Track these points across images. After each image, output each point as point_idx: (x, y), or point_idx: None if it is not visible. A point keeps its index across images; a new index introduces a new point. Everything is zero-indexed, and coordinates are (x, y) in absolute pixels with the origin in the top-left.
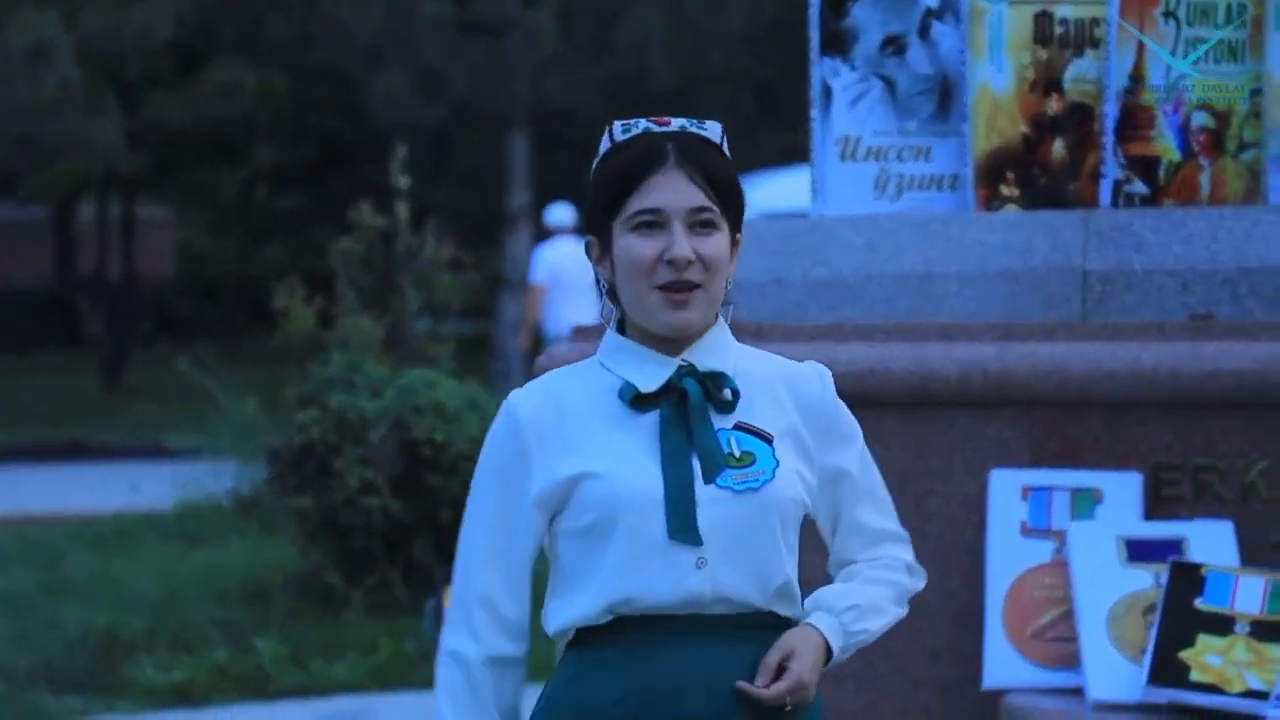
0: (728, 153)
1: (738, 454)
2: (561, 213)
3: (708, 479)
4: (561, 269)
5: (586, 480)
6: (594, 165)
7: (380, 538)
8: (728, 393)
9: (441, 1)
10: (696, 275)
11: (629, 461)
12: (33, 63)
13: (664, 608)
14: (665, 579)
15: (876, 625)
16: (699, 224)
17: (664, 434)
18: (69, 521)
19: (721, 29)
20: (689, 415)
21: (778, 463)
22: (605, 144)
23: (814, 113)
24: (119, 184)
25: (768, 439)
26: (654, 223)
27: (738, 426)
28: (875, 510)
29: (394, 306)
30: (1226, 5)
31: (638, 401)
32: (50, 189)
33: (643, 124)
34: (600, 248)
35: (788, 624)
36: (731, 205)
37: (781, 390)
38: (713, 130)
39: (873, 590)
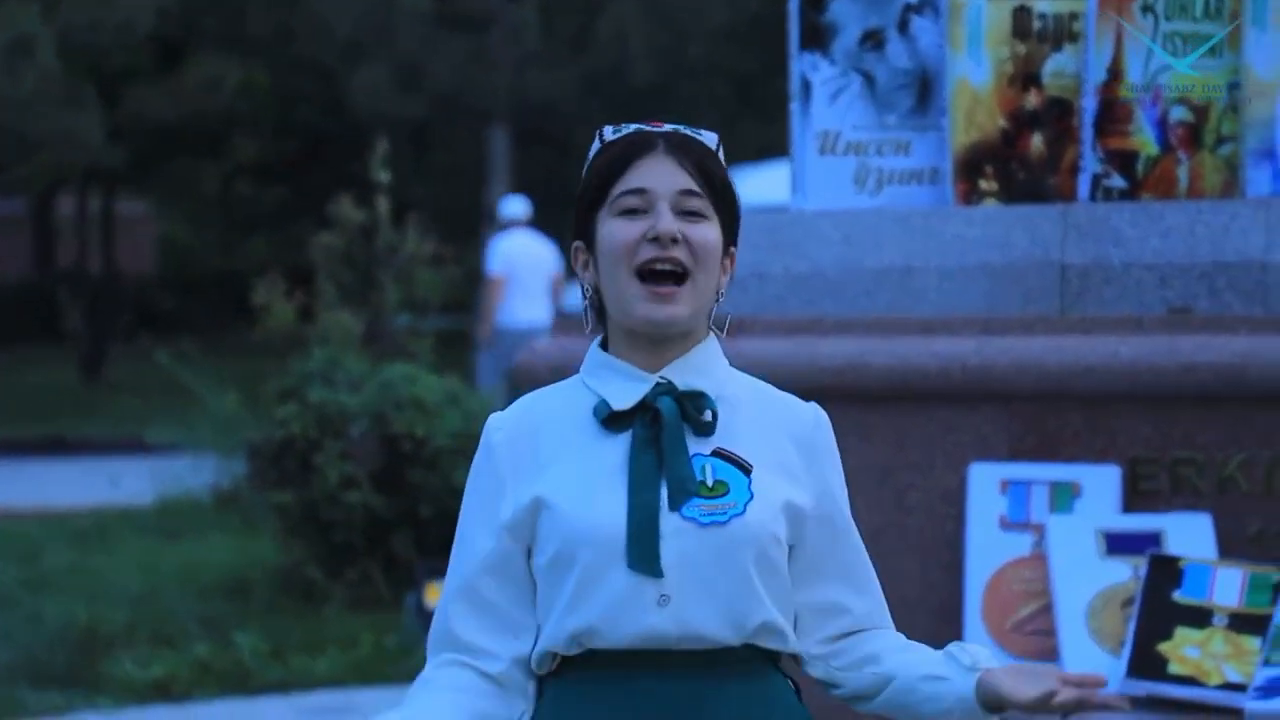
0: (723, 162)
1: (710, 483)
2: (516, 205)
3: (674, 506)
4: (516, 262)
5: (547, 508)
6: (583, 173)
7: (361, 532)
8: (708, 414)
9: None
10: (683, 256)
11: (593, 486)
12: (13, 56)
13: (627, 644)
14: (625, 615)
15: None
16: (688, 212)
17: (633, 456)
18: (49, 516)
19: (701, 24)
20: (661, 436)
21: (752, 496)
22: (594, 147)
23: (794, 107)
24: (99, 178)
25: (746, 469)
26: (638, 208)
27: (716, 453)
28: (853, 559)
29: (374, 302)
30: (1205, 0)
31: (611, 421)
32: (30, 182)
33: (634, 125)
34: (585, 252)
35: (774, 657)
36: (725, 207)
37: (772, 420)
38: (708, 138)
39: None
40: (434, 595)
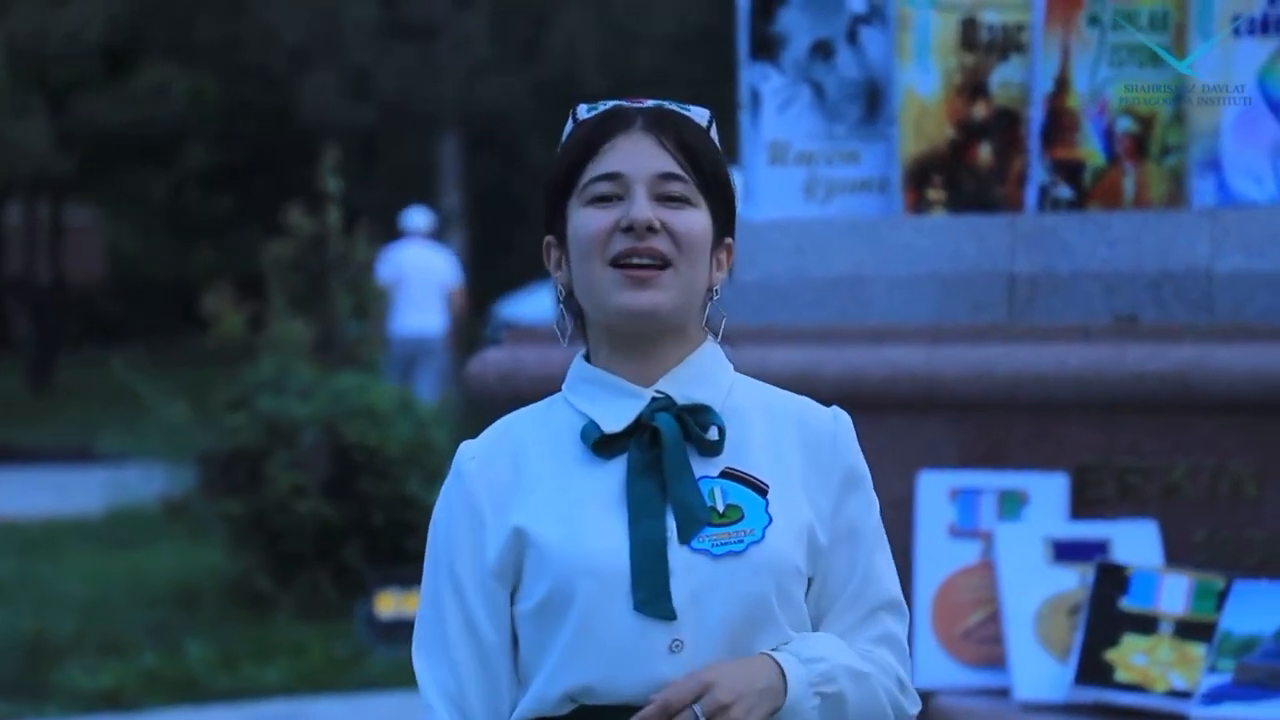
0: (715, 141)
1: (721, 508)
2: (417, 217)
3: (684, 539)
4: (405, 271)
5: (536, 546)
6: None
7: (311, 541)
8: (713, 431)
9: (370, 4)
10: (663, 246)
11: (588, 520)
12: None
13: (629, 698)
14: (631, 666)
15: (849, 685)
16: (669, 198)
17: (631, 484)
18: None
19: (651, 33)
20: (662, 460)
21: (770, 519)
22: (568, 128)
23: (743, 117)
24: (47, 186)
25: (761, 490)
26: (611, 194)
27: (725, 474)
28: (868, 602)
29: (325, 310)
30: (1150, 11)
31: (602, 445)
32: None
33: (611, 102)
34: (557, 247)
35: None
36: (715, 188)
37: (787, 430)
38: (697, 114)
39: (860, 662)
40: (384, 604)
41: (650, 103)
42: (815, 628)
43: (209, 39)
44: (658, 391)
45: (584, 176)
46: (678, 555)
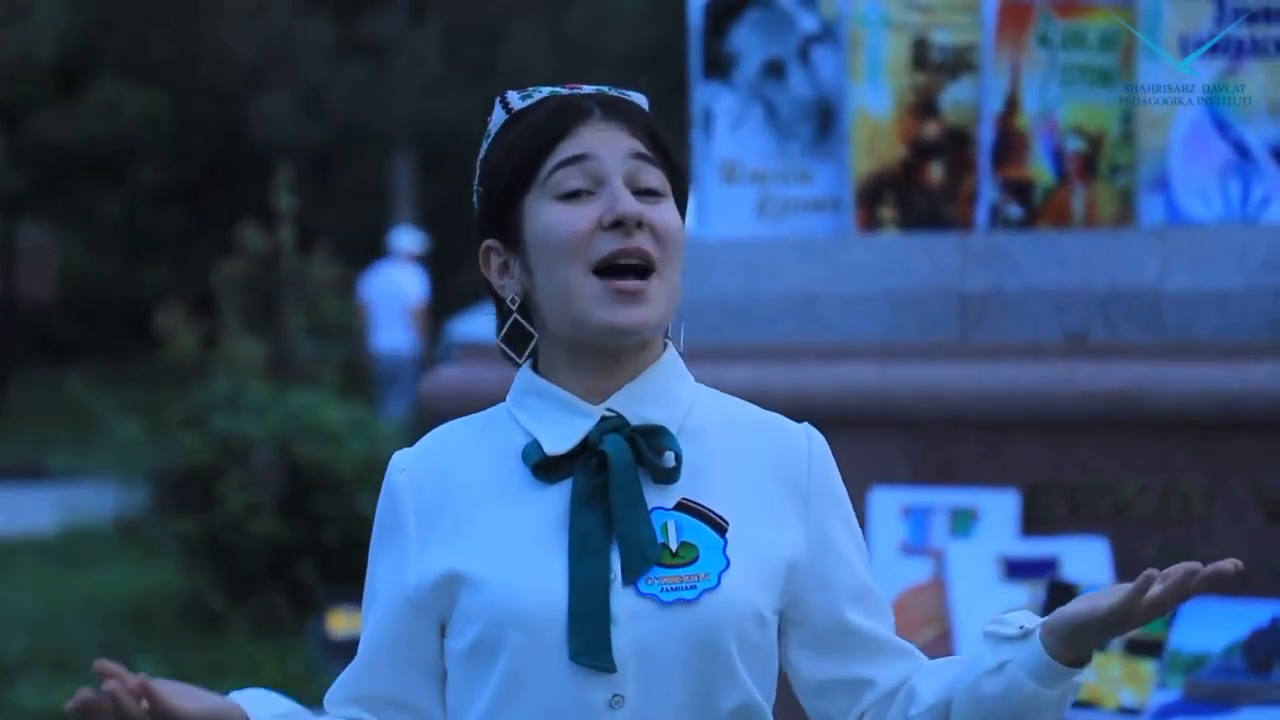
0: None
1: (675, 547)
2: (403, 238)
3: (629, 580)
4: (373, 291)
5: (466, 583)
6: (482, 154)
7: (264, 560)
8: (669, 457)
9: (323, 22)
10: (648, 246)
11: (524, 556)
12: None
13: None
14: None
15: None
16: (644, 190)
17: (574, 515)
18: None
19: (604, 51)
20: (610, 488)
21: (728, 563)
22: (498, 118)
23: (695, 136)
24: None
25: (720, 527)
26: (582, 189)
27: (681, 506)
28: (868, 615)
29: (279, 328)
30: (1100, 32)
31: (545, 468)
32: None
33: (548, 89)
34: (503, 251)
35: None
36: (679, 181)
37: (755, 449)
38: (639, 99)
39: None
40: (337, 622)
41: (589, 88)
42: (817, 667)
43: (162, 56)
44: (609, 409)
45: (544, 167)
46: (622, 599)
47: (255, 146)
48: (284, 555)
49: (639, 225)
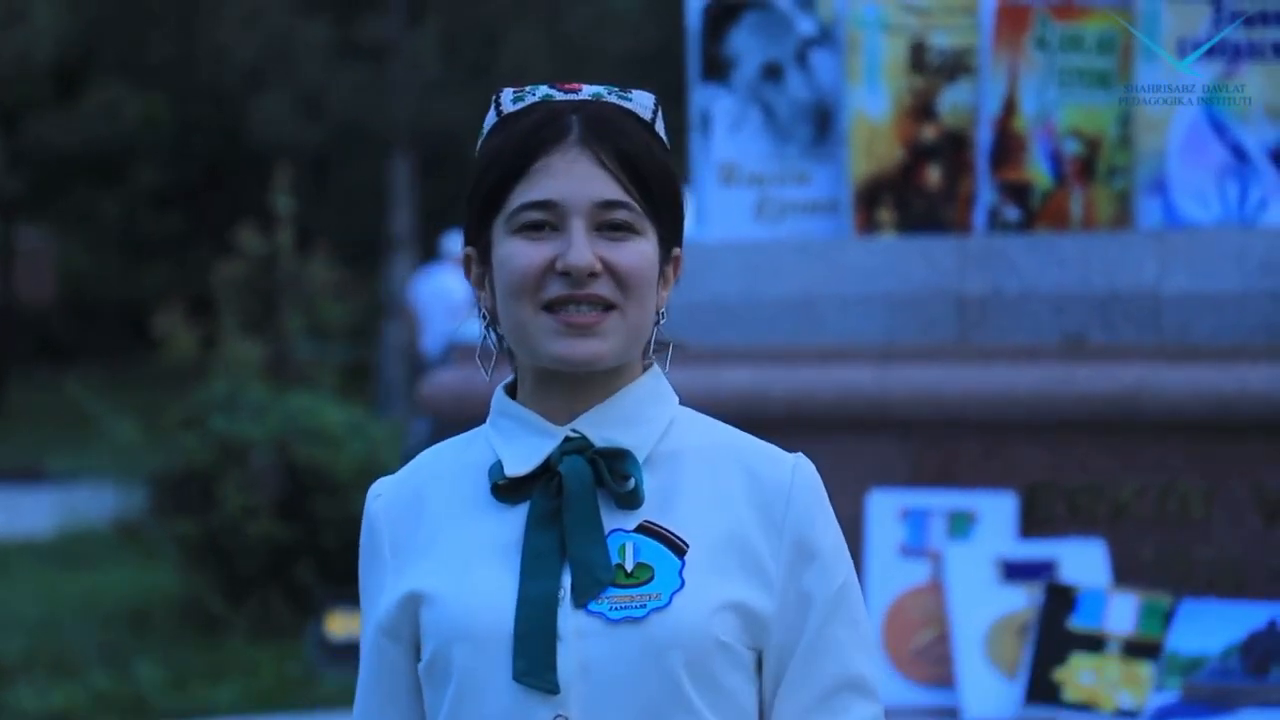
0: (662, 135)
1: (630, 567)
2: (454, 241)
3: (579, 601)
4: (420, 294)
5: (425, 601)
6: (476, 152)
7: (262, 562)
8: (629, 482)
9: (321, 24)
10: (605, 291)
11: (478, 575)
12: None
13: None
14: None
15: None
16: (610, 226)
17: (528, 535)
18: None
19: (603, 52)
20: (565, 509)
21: (682, 584)
22: (490, 119)
23: (694, 139)
24: None
25: (679, 549)
26: (543, 222)
27: (642, 528)
28: (820, 682)
29: (277, 330)
30: (1098, 34)
31: (506, 489)
32: None
33: (543, 90)
34: (479, 262)
35: None
36: (663, 205)
37: (732, 478)
38: (640, 102)
39: None
40: (335, 624)
41: (587, 91)
42: (770, 713)
43: (161, 58)
44: (574, 430)
45: (511, 199)
46: (569, 619)
47: (254, 148)
48: (282, 557)
49: (592, 275)
